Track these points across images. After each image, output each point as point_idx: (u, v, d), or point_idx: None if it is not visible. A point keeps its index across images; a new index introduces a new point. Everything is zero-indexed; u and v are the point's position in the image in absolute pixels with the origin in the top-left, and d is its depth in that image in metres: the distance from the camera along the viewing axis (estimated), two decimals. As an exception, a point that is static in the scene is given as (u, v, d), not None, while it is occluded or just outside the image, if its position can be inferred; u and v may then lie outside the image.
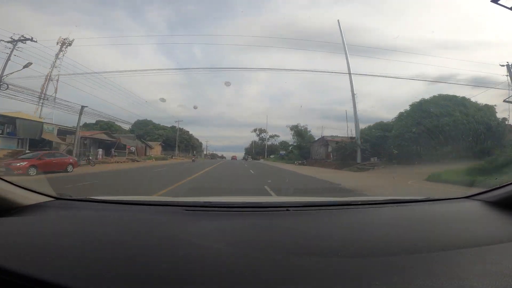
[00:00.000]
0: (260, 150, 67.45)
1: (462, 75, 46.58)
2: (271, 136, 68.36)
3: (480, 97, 42.13)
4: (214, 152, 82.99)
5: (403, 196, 1.95)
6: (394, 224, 1.32)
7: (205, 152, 73.87)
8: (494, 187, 1.54)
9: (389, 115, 58.73)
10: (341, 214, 1.48)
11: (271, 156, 57.95)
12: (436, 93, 20.49)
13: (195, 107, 70.74)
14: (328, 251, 0.94)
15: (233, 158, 63.85)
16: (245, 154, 74.17)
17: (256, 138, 72.74)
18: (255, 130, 70.91)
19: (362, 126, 24.58)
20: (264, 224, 1.24)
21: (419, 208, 1.65)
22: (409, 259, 0.87)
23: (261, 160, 51.01)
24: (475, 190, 1.66)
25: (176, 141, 44.94)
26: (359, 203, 1.72)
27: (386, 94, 55.35)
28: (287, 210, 1.42)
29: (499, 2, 6.51)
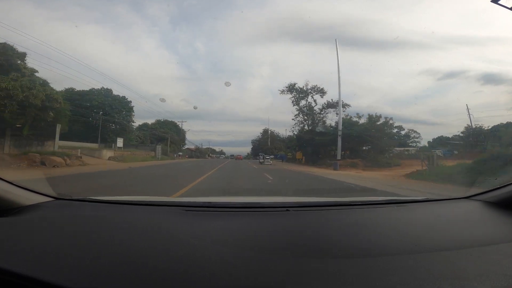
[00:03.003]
0: (295, 142, 32.02)
1: (473, 71, 45.45)
2: (330, 105, 28.04)
3: (483, 94, 41.98)
4: (208, 147, 56.87)
5: (403, 196, 1.95)
6: (394, 224, 1.32)
7: (184, 147, 45.16)
8: (494, 188, 1.55)
9: (395, 111, 56.74)
10: (341, 214, 1.48)
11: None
12: (442, 88, 20.48)
13: (195, 107, 67.98)
14: (328, 252, 0.94)
15: (238, 158, 47.47)
16: (252, 150, 50.37)
17: (288, 112, 36.55)
18: (289, 90, 29.91)
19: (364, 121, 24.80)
20: (264, 224, 1.24)
21: (419, 208, 1.65)
22: (409, 259, 0.87)
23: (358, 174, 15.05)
24: (475, 191, 1.67)
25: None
26: (359, 203, 1.72)
27: (391, 89, 53.52)
28: (287, 210, 1.42)
29: (499, 2, 6.51)
